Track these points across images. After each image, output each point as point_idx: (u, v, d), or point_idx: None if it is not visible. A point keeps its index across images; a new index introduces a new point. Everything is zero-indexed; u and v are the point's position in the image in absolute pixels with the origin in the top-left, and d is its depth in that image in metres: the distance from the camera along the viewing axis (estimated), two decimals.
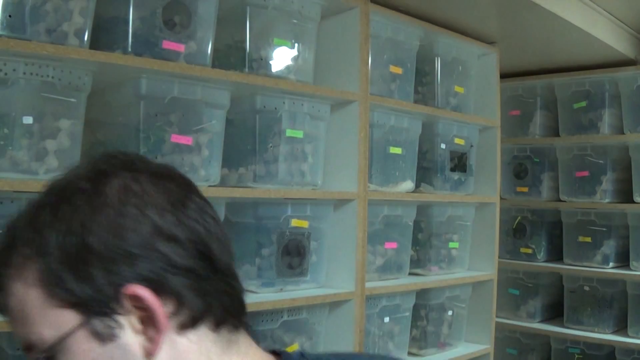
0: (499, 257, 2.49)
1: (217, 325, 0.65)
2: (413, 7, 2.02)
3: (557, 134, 2.82)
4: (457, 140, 2.26)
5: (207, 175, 1.53)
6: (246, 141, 1.65)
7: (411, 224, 2.08)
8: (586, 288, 2.71)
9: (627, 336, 2.56)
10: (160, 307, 0.60)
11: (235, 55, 1.64)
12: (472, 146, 2.33)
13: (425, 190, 2.17)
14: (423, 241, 2.19)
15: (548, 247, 2.88)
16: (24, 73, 1.26)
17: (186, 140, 1.49)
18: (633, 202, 2.59)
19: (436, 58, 2.17)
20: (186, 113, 1.50)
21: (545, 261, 2.85)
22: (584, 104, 2.75)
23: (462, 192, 2.28)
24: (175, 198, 0.64)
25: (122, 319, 0.60)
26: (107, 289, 0.59)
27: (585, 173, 2.72)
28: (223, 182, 1.61)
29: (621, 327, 2.64)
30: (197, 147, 1.51)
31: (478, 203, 2.37)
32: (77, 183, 0.62)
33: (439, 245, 2.21)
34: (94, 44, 1.36)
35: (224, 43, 1.65)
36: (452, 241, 2.27)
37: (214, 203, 1.66)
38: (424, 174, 2.19)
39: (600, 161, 2.69)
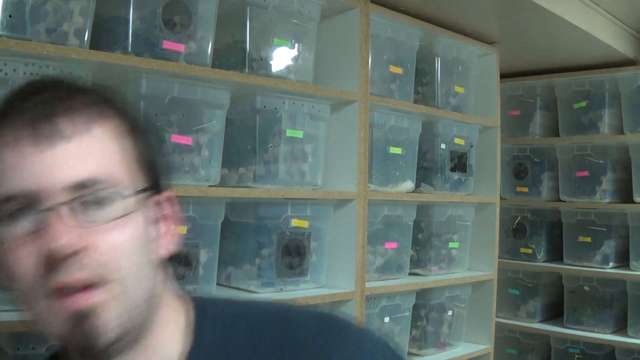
0: (499, 257, 2.49)
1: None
2: (413, 7, 2.02)
3: (557, 134, 2.82)
4: (457, 140, 2.26)
5: (207, 175, 1.53)
6: (246, 141, 1.65)
7: (411, 224, 2.08)
8: (586, 288, 2.71)
9: (627, 336, 2.56)
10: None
11: (235, 55, 1.64)
12: (472, 146, 2.33)
13: (425, 190, 2.17)
14: (423, 241, 2.19)
15: (548, 247, 2.88)
16: (24, 73, 1.26)
17: (186, 140, 1.49)
18: (633, 202, 2.59)
19: (436, 58, 2.17)
20: (186, 113, 1.50)
21: (545, 261, 2.85)
22: (584, 104, 2.75)
23: (462, 192, 2.28)
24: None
25: (159, 208, 0.70)
26: (157, 181, 0.70)
27: (585, 173, 2.72)
28: (223, 182, 1.61)
29: (621, 327, 2.64)
30: (197, 147, 1.51)
31: (478, 203, 2.37)
32: None
33: (439, 245, 2.21)
34: (94, 44, 1.36)
35: (224, 43, 1.65)
36: (452, 241, 2.27)
37: (214, 203, 1.67)
38: (424, 174, 2.19)
39: (600, 161, 2.69)
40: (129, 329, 0.64)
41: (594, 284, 2.68)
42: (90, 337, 0.61)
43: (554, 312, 2.89)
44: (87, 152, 0.63)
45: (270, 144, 1.67)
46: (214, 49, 1.55)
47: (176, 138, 1.47)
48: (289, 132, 1.70)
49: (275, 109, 1.68)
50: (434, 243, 2.20)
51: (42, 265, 0.60)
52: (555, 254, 2.89)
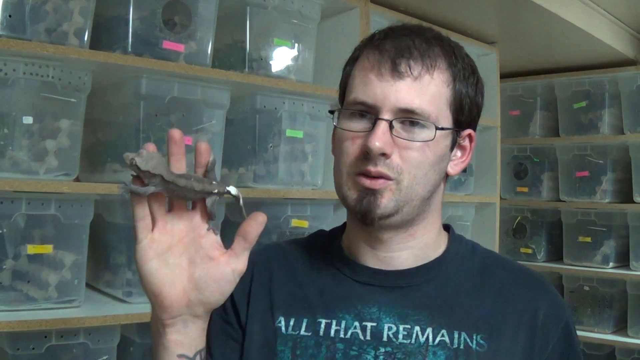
0: None
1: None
2: (413, 7, 2.03)
3: (557, 134, 2.82)
4: None
5: None
6: (246, 141, 1.65)
7: None
8: (586, 288, 2.71)
9: (627, 336, 2.55)
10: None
11: (235, 55, 1.64)
12: None
13: None
14: None
15: (548, 247, 2.88)
16: (24, 73, 1.26)
17: (186, 140, 1.49)
18: (633, 202, 2.59)
19: None
20: (186, 113, 1.50)
21: (545, 261, 2.85)
22: (584, 104, 2.75)
23: (462, 192, 2.28)
24: None
25: (460, 140, 0.92)
26: (470, 121, 0.92)
27: (585, 173, 2.72)
28: (223, 182, 1.60)
29: (621, 327, 2.64)
30: None
31: (478, 203, 2.37)
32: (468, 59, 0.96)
33: None
34: (94, 44, 1.36)
35: (224, 43, 1.65)
36: None
37: None
38: None
39: (600, 161, 2.68)
40: (401, 214, 0.86)
41: (594, 284, 2.68)
42: (370, 207, 0.84)
43: None
44: (423, 91, 0.85)
45: (270, 144, 1.67)
46: (214, 49, 1.55)
47: None
48: (289, 132, 1.70)
49: (275, 109, 1.68)
50: None
51: (361, 154, 0.84)
52: (555, 254, 2.89)
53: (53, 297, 1.32)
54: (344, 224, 0.99)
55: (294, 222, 1.72)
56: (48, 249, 1.32)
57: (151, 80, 1.43)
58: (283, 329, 0.87)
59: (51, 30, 1.29)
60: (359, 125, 0.86)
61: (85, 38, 1.34)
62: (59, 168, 1.32)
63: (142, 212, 0.74)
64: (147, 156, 0.72)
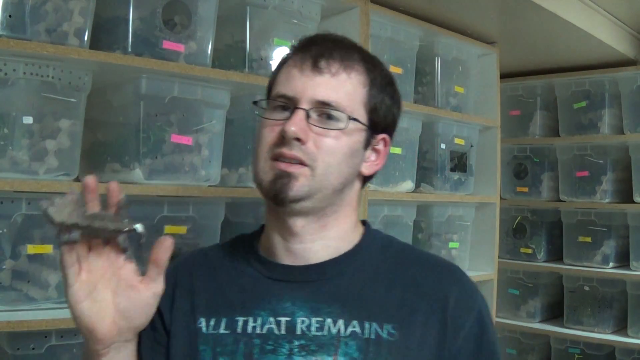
0: (499, 257, 2.49)
1: (364, 184, 1.03)
2: (413, 7, 2.02)
3: (557, 134, 2.82)
4: (457, 140, 2.26)
5: (207, 175, 1.53)
6: (246, 141, 1.65)
7: (411, 224, 2.08)
8: (586, 288, 2.71)
9: (627, 336, 2.56)
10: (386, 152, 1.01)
11: (235, 55, 1.64)
12: (472, 146, 2.33)
13: (425, 190, 2.17)
14: (423, 241, 2.19)
15: (548, 247, 2.88)
16: (24, 73, 1.26)
17: (186, 140, 1.49)
18: (633, 202, 2.59)
19: (436, 58, 2.17)
20: (186, 113, 1.50)
21: (545, 261, 2.85)
22: (584, 104, 2.75)
23: (462, 192, 2.28)
24: None
25: (374, 142, 0.99)
26: (384, 126, 0.99)
27: (585, 173, 2.72)
28: (223, 182, 1.61)
29: (621, 327, 2.64)
30: (197, 147, 1.51)
31: (478, 203, 2.37)
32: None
33: (439, 245, 2.21)
34: (94, 44, 1.36)
35: (224, 43, 1.65)
36: (452, 241, 2.27)
37: (214, 203, 1.67)
38: (424, 174, 2.19)
39: (600, 161, 2.69)
40: (312, 199, 0.91)
41: (594, 284, 2.68)
42: (283, 188, 0.89)
43: (554, 312, 2.89)
44: (340, 87, 0.93)
45: None
46: (214, 49, 1.54)
47: (176, 138, 1.47)
48: None
49: None
50: (434, 243, 2.19)
51: (277, 138, 0.91)
52: (555, 254, 2.89)
53: (53, 297, 1.32)
54: (262, 226, 1.04)
55: None
56: (48, 249, 1.32)
57: (151, 80, 1.43)
58: (204, 329, 0.93)
59: (51, 30, 1.29)
60: (279, 115, 0.93)
61: (85, 38, 1.34)
62: (59, 168, 1.32)
63: (72, 260, 0.80)
64: (61, 204, 0.77)
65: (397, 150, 2.01)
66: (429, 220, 2.18)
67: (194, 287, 0.98)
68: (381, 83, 0.98)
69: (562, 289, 2.79)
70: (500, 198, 2.49)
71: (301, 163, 0.90)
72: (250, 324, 0.91)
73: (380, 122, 0.97)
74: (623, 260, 2.67)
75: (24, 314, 1.26)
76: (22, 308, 1.29)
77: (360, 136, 0.95)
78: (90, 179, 0.81)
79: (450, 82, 2.23)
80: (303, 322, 0.90)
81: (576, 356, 2.65)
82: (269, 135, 0.92)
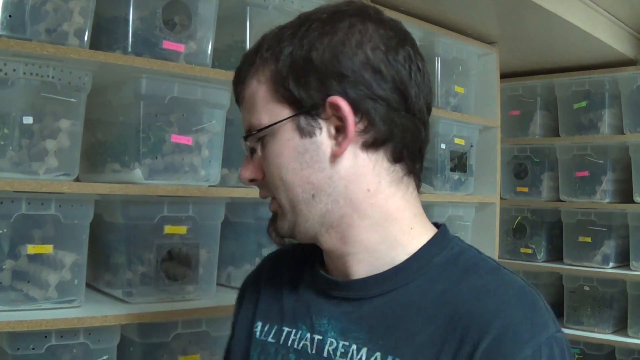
0: (499, 257, 2.49)
1: (394, 158, 0.81)
2: (413, 7, 2.02)
3: (557, 134, 2.82)
4: (457, 140, 2.26)
5: (207, 175, 1.53)
6: None
7: None
8: (586, 288, 2.70)
9: (627, 336, 2.56)
10: (352, 118, 0.75)
11: (235, 55, 1.64)
12: (472, 146, 2.33)
13: (425, 190, 2.17)
14: None
15: (548, 247, 2.88)
16: (24, 73, 1.26)
17: (186, 140, 1.49)
18: (633, 202, 2.59)
19: (436, 58, 2.17)
20: (186, 113, 1.50)
21: (545, 261, 2.85)
22: (584, 104, 2.75)
23: (462, 192, 2.28)
24: (390, 43, 0.78)
25: (322, 122, 0.77)
26: (316, 95, 0.76)
27: (585, 173, 2.72)
28: (223, 182, 1.61)
29: (621, 327, 2.64)
30: (197, 147, 1.51)
31: (478, 203, 2.37)
32: (319, 14, 0.80)
33: None
34: (94, 44, 1.36)
35: (224, 43, 1.65)
36: None
37: (214, 203, 1.66)
38: (424, 174, 2.18)
39: (600, 161, 2.68)
40: (300, 228, 0.82)
41: (594, 284, 2.68)
42: (269, 234, 0.88)
43: (554, 312, 2.86)
44: (249, 107, 0.83)
45: None
46: (214, 49, 1.54)
47: (176, 138, 1.47)
48: None
49: None
50: None
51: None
52: (555, 254, 2.89)
53: (53, 297, 1.32)
54: None
55: None
56: (48, 249, 1.32)
57: (151, 80, 1.43)
58: (258, 334, 0.90)
59: (51, 30, 1.29)
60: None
61: (85, 38, 1.34)
62: (59, 168, 1.32)
63: None
64: None
65: None
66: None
67: (261, 288, 0.95)
68: (275, 52, 0.79)
69: (562, 289, 2.79)
70: (500, 198, 2.49)
71: (273, 198, 0.84)
72: (292, 336, 0.86)
73: (307, 90, 0.76)
74: (623, 260, 2.67)
75: (24, 314, 1.26)
76: (22, 308, 1.29)
77: (290, 132, 0.78)
78: None
79: (450, 82, 2.23)
80: (331, 343, 0.81)
81: (576, 356, 2.65)
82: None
